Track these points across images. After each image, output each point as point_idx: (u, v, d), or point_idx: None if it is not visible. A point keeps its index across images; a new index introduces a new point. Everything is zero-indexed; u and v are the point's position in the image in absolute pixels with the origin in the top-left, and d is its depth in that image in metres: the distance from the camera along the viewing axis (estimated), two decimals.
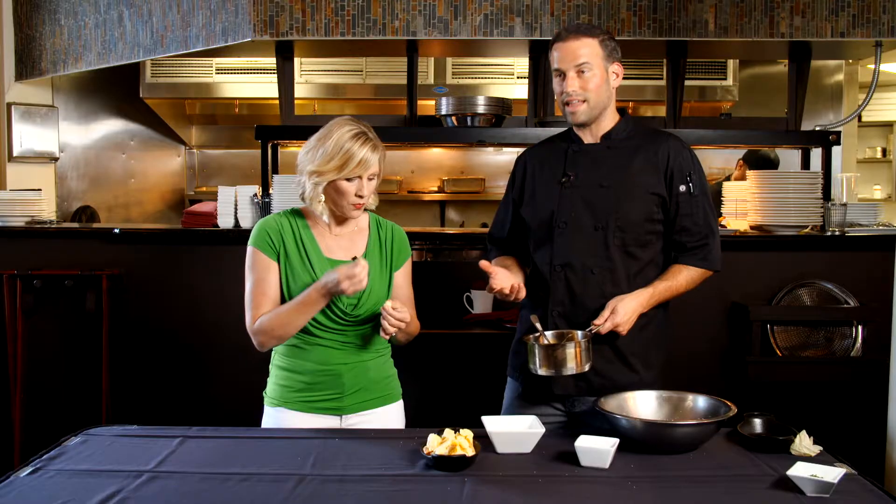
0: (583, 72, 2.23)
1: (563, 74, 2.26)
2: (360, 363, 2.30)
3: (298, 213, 2.33)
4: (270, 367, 2.37)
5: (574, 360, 2.14)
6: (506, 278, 2.24)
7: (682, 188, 2.28)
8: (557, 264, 2.29)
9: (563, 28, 2.34)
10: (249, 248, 2.27)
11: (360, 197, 2.21)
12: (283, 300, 2.26)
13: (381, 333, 2.19)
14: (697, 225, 2.29)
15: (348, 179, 2.18)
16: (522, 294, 2.26)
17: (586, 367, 2.16)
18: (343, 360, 2.28)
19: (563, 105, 2.30)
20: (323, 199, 2.23)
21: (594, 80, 2.24)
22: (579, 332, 2.20)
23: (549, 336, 2.24)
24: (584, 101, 2.26)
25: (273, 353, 2.36)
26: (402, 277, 2.36)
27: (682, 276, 2.29)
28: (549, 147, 2.43)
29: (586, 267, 2.27)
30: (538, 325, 2.22)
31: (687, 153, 2.32)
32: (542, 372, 2.17)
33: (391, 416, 2.36)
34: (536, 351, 2.17)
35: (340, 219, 2.30)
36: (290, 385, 2.29)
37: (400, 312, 2.16)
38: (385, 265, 2.32)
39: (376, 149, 2.21)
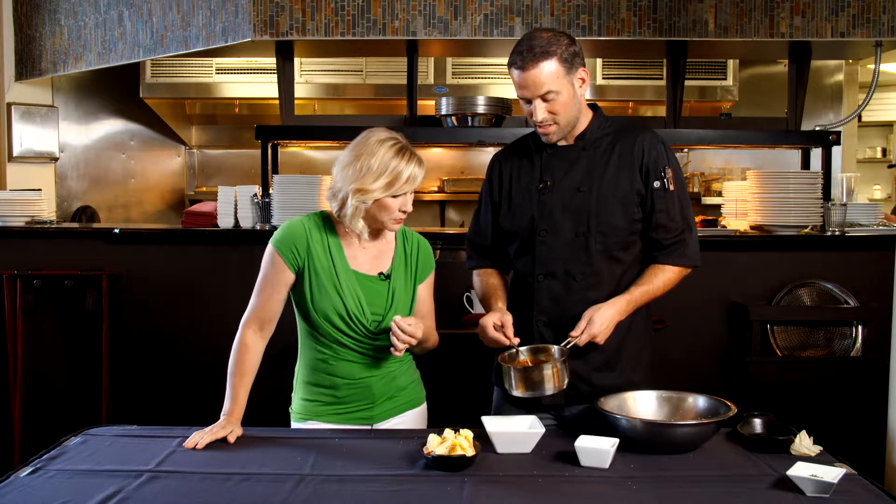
0: (548, 99, 2.17)
1: (528, 100, 2.20)
2: (388, 373, 2.29)
3: (328, 220, 2.27)
4: (294, 382, 2.36)
5: (552, 380, 2.08)
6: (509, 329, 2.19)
7: (657, 184, 2.22)
8: (540, 273, 2.25)
9: (518, 50, 2.15)
10: (271, 247, 2.23)
11: (404, 212, 2.19)
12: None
13: (392, 350, 2.16)
14: (674, 221, 2.24)
15: (394, 196, 2.15)
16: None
17: (564, 385, 2.11)
18: (371, 373, 2.27)
19: (534, 126, 2.25)
20: (362, 216, 2.19)
21: (560, 101, 2.17)
22: (555, 348, 2.15)
23: (524, 351, 2.18)
24: (555, 124, 2.21)
25: (297, 368, 2.35)
26: (425, 290, 2.35)
27: (659, 279, 2.23)
28: (523, 149, 2.36)
29: (569, 274, 2.23)
30: (513, 349, 2.17)
31: (661, 147, 2.26)
32: (517, 393, 2.11)
33: (418, 419, 2.37)
34: (512, 374, 2.11)
35: (376, 233, 2.27)
36: (320, 399, 2.28)
37: (411, 327, 2.13)
38: (410, 278, 2.30)
39: (421, 163, 2.19)
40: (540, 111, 2.18)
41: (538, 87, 2.15)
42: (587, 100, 2.32)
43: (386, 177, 2.12)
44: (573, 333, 2.14)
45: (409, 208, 2.20)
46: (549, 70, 2.13)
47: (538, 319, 2.26)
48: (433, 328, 2.34)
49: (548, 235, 2.24)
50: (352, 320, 2.21)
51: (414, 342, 2.15)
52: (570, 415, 2.29)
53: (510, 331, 2.17)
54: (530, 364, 2.15)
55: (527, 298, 2.29)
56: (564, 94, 2.17)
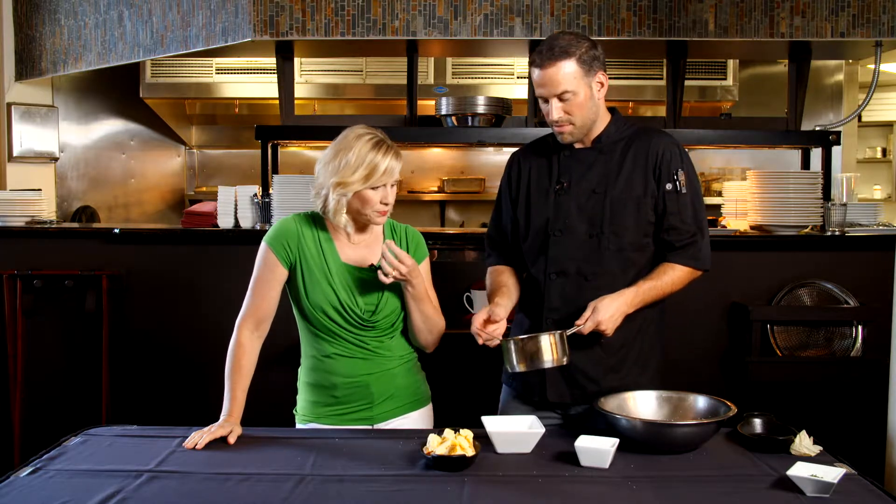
0: (564, 99, 2.20)
1: (546, 100, 2.23)
2: (387, 371, 2.30)
3: (318, 218, 2.31)
4: (298, 384, 2.37)
5: (550, 351, 2.09)
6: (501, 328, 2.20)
7: (669, 186, 2.24)
8: (552, 272, 2.27)
9: (539, 49, 2.21)
10: (264, 245, 2.27)
11: (386, 205, 2.21)
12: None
13: (380, 275, 2.16)
14: (685, 223, 2.25)
15: (373, 188, 2.18)
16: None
17: (565, 361, 2.11)
18: (369, 371, 2.27)
19: (551, 126, 2.28)
20: (345, 210, 2.22)
21: (577, 101, 2.20)
22: (556, 331, 2.15)
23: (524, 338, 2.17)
24: (570, 124, 2.23)
25: (299, 371, 2.36)
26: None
27: (668, 276, 2.24)
28: (542, 150, 2.39)
29: (581, 274, 2.25)
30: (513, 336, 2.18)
31: (675, 150, 2.28)
32: (519, 368, 2.12)
33: (421, 420, 2.36)
34: (511, 347, 2.12)
35: (362, 227, 2.29)
36: (320, 400, 2.30)
37: (402, 254, 2.15)
38: None
39: (398, 156, 2.21)
40: (556, 110, 2.21)
41: (555, 86, 2.19)
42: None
43: (363, 169, 2.16)
44: (578, 322, 2.15)
45: (391, 200, 2.22)
46: (566, 70, 2.17)
47: (548, 317, 2.27)
48: (437, 310, 2.33)
49: (562, 235, 2.27)
50: (345, 310, 2.23)
51: (404, 269, 2.15)
52: (576, 413, 2.30)
53: (491, 324, 2.17)
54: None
55: (538, 297, 2.31)
56: (581, 96, 2.20)
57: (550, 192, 2.30)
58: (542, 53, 2.20)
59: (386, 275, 2.15)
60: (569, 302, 2.25)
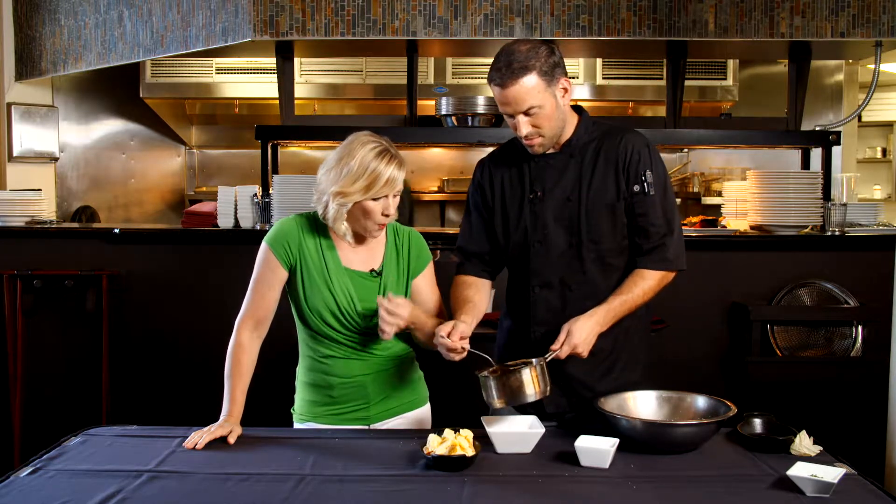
0: (531, 114, 2.12)
1: (511, 115, 2.15)
2: (384, 371, 2.29)
3: (320, 221, 2.27)
4: (297, 383, 2.37)
5: (531, 385, 2.02)
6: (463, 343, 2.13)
7: (637, 188, 2.19)
8: (535, 284, 2.24)
9: (497, 66, 2.10)
10: (264, 245, 2.25)
11: (386, 216, 2.18)
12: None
13: (379, 333, 2.14)
14: (654, 225, 2.20)
15: (374, 199, 2.15)
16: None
17: (547, 391, 2.06)
18: (366, 371, 2.27)
19: (520, 140, 2.21)
20: (345, 219, 2.19)
21: (544, 114, 2.13)
22: (534, 359, 2.08)
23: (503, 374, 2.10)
24: (540, 136, 2.17)
25: (298, 369, 2.36)
26: (424, 282, 2.32)
27: (639, 287, 2.19)
28: (511, 156, 2.32)
29: (564, 284, 2.22)
30: (490, 366, 2.11)
31: (644, 150, 2.21)
32: (499, 404, 2.05)
33: (418, 421, 2.35)
34: (491, 383, 2.05)
35: (361, 237, 2.26)
36: (317, 400, 2.29)
37: (398, 307, 2.11)
38: (402, 274, 2.29)
39: (401, 165, 2.16)
40: (524, 126, 2.14)
41: (520, 104, 2.11)
42: (578, 101, 2.29)
43: (365, 179, 2.12)
44: (553, 347, 2.11)
45: (392, 212, 2.19)
46: (529, 85, 2.09)
47: (535, 331, 2.25)
48: (443, 313, 2.31)
49: (542, 246, 2.23)
50: (343, 316, 2.22)
51: (402, 323, 2.13)
52: (570, 417, 2.29)
53: (456, 336, 2.10)
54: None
55: (524, 307, 2.29)
56: (547, 107, 2.13)
57: (525, 202, 2.26)
58: (500, 71, 2.10)
59: (385, 333, 2.11)
60: (554, 314, 2.22)
